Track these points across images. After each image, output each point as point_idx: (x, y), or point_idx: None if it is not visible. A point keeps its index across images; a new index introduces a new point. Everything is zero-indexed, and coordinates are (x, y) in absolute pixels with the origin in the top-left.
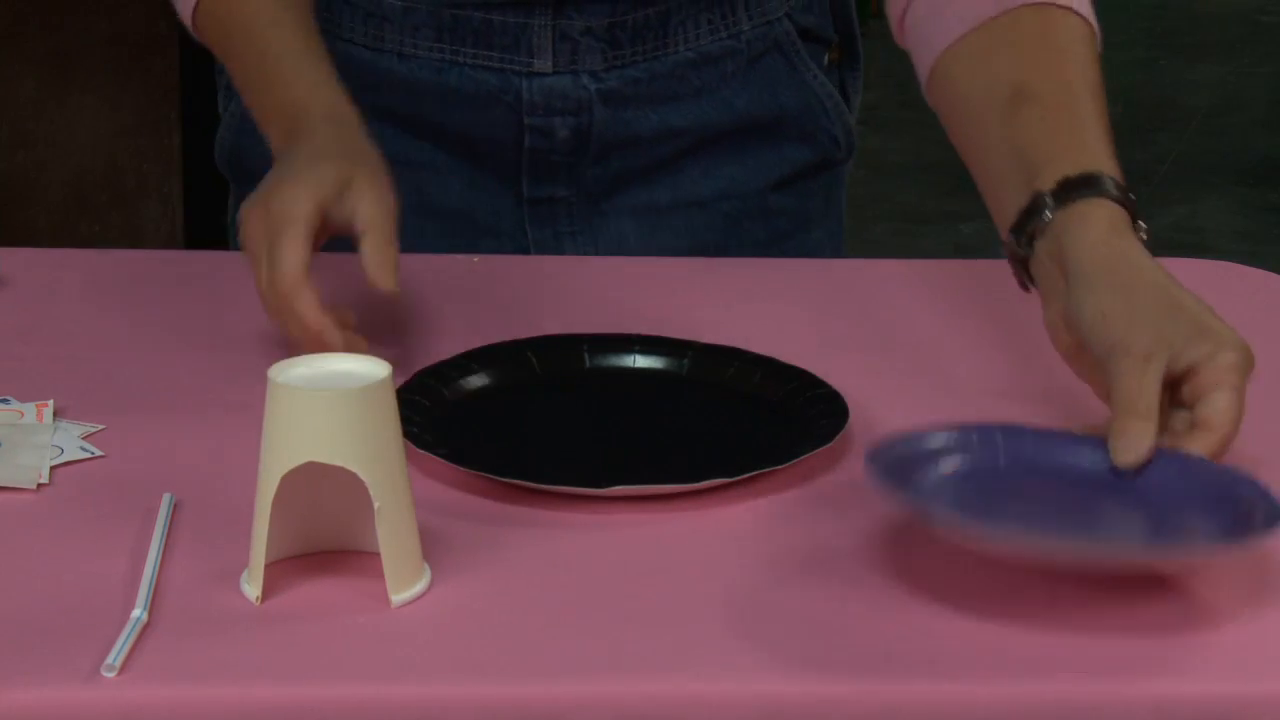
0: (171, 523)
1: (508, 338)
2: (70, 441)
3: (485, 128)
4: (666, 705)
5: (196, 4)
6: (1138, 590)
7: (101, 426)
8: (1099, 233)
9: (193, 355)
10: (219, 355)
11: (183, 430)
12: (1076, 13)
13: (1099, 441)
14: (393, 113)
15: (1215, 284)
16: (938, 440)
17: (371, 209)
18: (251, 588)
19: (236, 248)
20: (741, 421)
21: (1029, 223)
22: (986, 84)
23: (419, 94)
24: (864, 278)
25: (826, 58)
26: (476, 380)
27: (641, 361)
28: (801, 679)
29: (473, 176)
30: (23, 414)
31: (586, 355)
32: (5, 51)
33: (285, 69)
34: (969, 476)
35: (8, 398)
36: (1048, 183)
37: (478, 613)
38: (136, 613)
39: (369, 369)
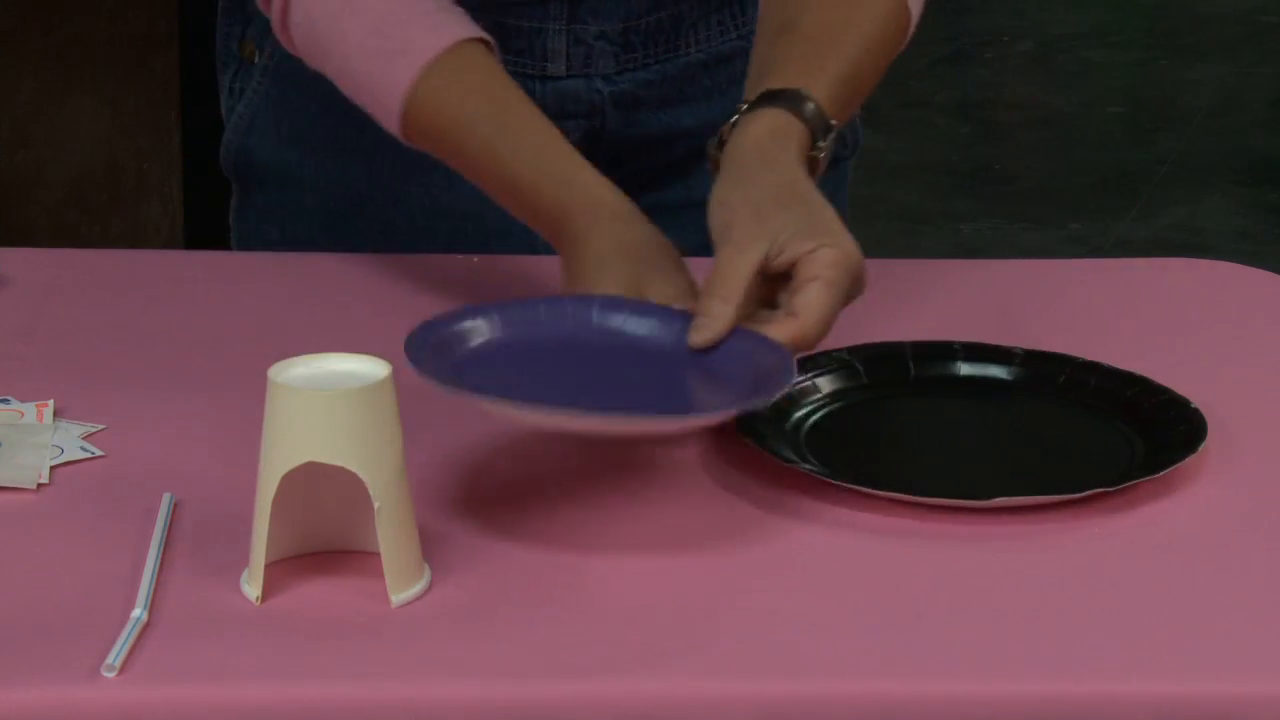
0: (171, 523)
1: None
2: (70, 441)
3: None
4: (666, 705)
5: (403, 115)
6: (1137, 589)
7: (101, 426)
8: (755, 133)
9: (193, 355)
10: (219, 355)
11: (183, 430)
12: None
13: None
14: None
15: (1215, 284)
16: (476, 314)
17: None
18: (251, 588)
19: (238, 248)
20: (1090, 432)
21: (722, 127)
22: (768, 15)
23: None
24: None
25: None
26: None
27: (966, 369)
28: (801, 679)
29: None
30: (23, 414)
31: (911, 364)
32: (5, 51)
33: (527, 172)
34: (515, 349)
35: (8, 398)
36: (753, 94)
37: (478, 613)
38: (136, 613)
39: (369, 369)
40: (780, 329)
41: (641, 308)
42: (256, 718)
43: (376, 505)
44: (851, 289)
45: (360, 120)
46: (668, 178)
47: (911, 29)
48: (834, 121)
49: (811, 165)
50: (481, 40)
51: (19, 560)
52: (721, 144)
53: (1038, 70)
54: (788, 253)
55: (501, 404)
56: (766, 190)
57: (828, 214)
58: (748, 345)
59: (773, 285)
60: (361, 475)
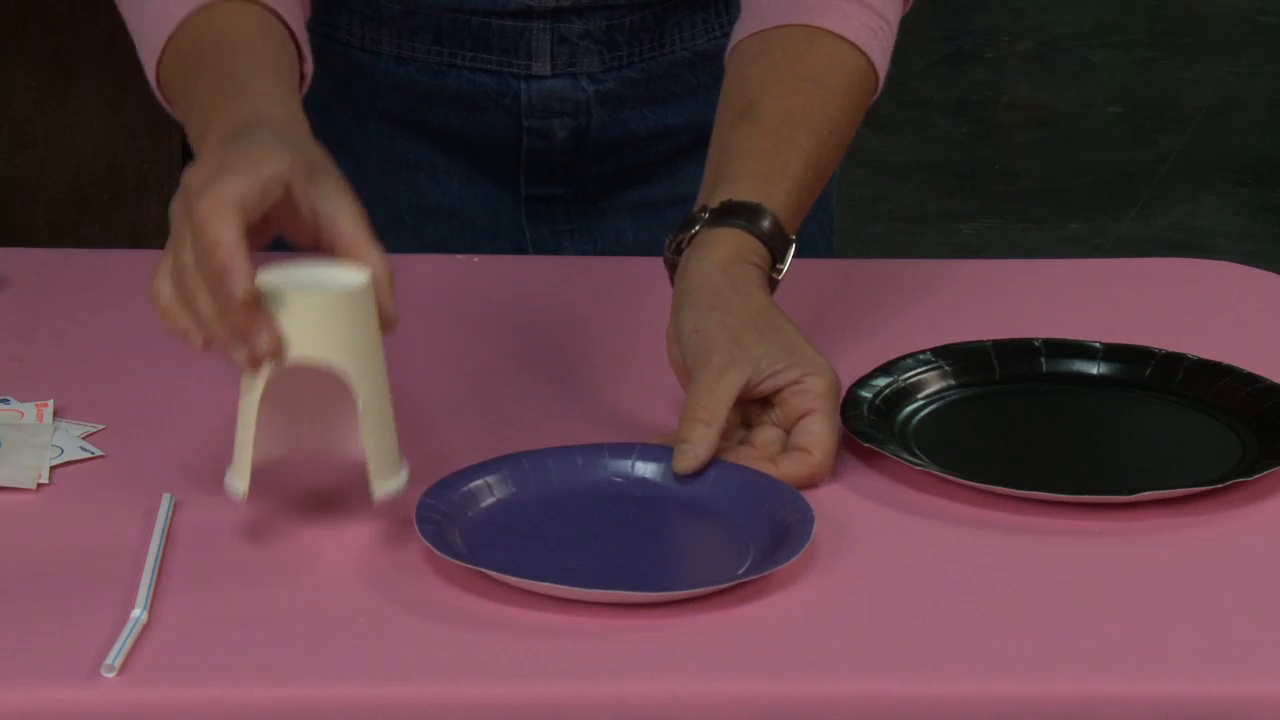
0: (171, 523)
1: (509, 337)
2: (70, 441)
3: (483, 129)
4: (666, 705)
5: (164, 48)
6: (1137, 590)
7: (101, 426)
8: (718, 258)
9: (193, 355)
10: (219, 355)
11: (183, 430)
12: (856, 47)
13: (666, 451)
14: (390, 114)
15: (1215, 284)
16: (487, 472)
17: (354, 224)
18: (239, 481)
19: None
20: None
21: (680, 233)
22: (730, 89)
23: (416, 96)
24: (864, 278)
25: None
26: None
27: (1103, 369)
28: (801, 679)
29: (470, 177)
30: (23, 414)
31: (1043, 360)
32: (5, 51)
33: (252, 87)
34: (518, 506)
35: (8, 398)
36: (715, 200)
37: (480, 613)
38: (136, 613)
39: (349, 275)
40: (797, 466)
41: (649, 451)
42: (256, 718)
43: (360, 400)
44: (835, 414)
45: (347, 121)
46: (654, 175)
47: (880, 85)
48: (792, 236)
49: (771, 286)
50: (268, 9)
51: (19, 560)
52: (679, 249)
53: (1038, 70)
54: (770, 380)
55: (514, 579)
56: (741, 318)
57: (801, 340)
58: (738, 480)
59: (745, 410)
60: (346, 370)
